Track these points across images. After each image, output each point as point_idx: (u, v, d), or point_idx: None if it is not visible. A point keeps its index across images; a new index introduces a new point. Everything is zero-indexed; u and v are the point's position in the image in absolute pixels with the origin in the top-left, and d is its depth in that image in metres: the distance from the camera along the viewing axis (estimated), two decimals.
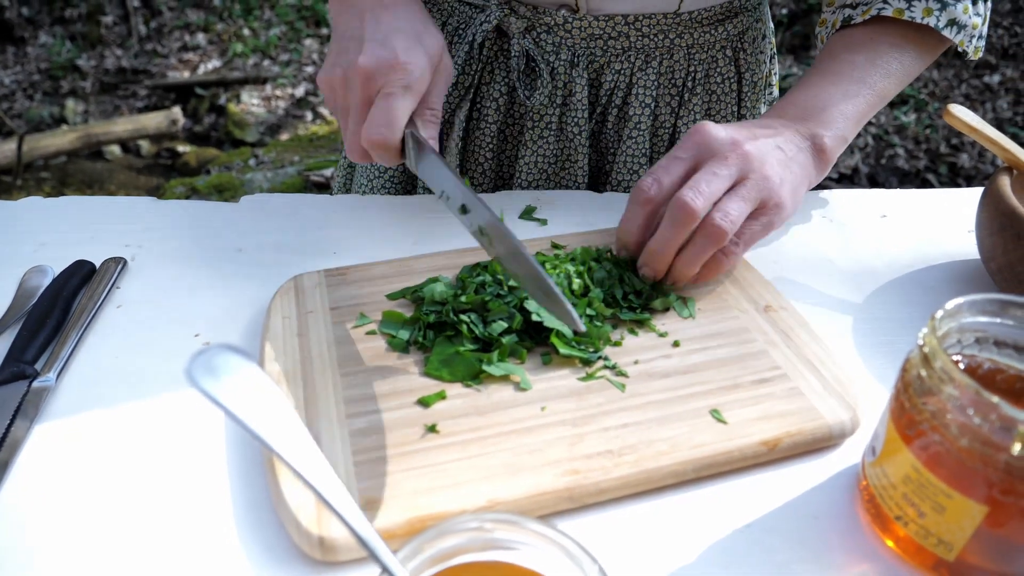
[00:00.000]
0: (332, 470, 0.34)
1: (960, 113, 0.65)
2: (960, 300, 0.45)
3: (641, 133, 0.80)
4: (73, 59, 3.67)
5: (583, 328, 0.51)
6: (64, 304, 0.61)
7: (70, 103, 3.64)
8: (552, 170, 0.82)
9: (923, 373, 0.42)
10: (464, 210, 0.55)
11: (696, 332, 0.59)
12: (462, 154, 0.83)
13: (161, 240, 0.70)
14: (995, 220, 0.61)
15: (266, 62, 3.99)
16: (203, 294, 0.64)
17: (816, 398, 0.53)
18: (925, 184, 2.97)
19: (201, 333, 0.60)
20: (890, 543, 0.46)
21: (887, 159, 3.12)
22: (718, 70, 0.81)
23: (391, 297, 0.61)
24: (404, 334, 0.57)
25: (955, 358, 0.47)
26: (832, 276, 0.68)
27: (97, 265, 0.66)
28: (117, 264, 0.66)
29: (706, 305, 0.62)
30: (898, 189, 0.81)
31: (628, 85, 0.79)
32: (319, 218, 0.74)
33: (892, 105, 3.32)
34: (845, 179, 3.00)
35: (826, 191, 0.80)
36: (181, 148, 3.48)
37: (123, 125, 3.22)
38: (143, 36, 3.91)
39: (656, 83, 0.79)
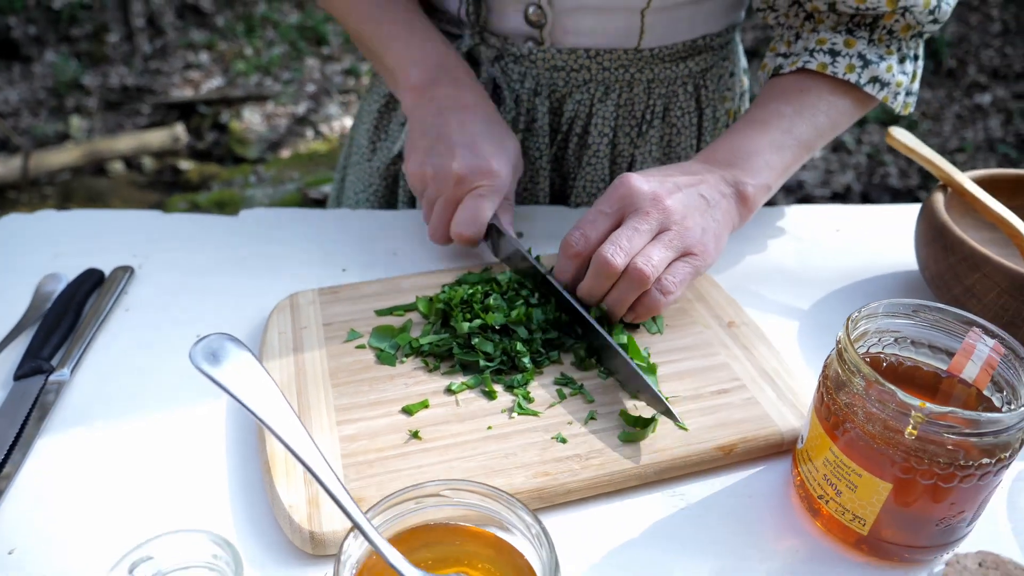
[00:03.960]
0: (312, 441, 0.39)
1: (900, 136, 0.72)
2: (875, 304, 0.51)
3: (600, 160, 0.86)
4: (78, 77, 3.75)
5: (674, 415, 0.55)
6: (77, 307, 0.67)
7: (75, 120, 3.71)
8: (518, 189, 0.88)
9: (838, 367, 0.48)
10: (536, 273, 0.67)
11: (663, 346, 0.64)
12: None
13: (166, 250, 0.76)
14: (928, 233, 0.67)
15: (268, 80, 4.06)
16: (205, 300, 0.70)
17: (770, 407, 0.58)
18: (917, 202, 3.02)
19: (202, 334, 0.66)
20: (819, 524, 0.52)
21: (880, 178, 3.18)
22: (678, 104, 0.86)
23: (380, 313, 0.66)
24: (391, 347, 0.63)
25: (878, 354, 0.52)
26: (784, 285, 0.74)
27: (107, 273, 0.72)
28: (125, 272, 0.72)
29: (673, 321, 0.67)
30: (853, 205, 0.87)
31: (588, 115, 0.84)
32: (312, 230, 0.80)
33: (884, 124, 3.38)
34: (838, 197, 3.06)
35: (787, 207, 0.86)
36: (184, 165, 3.55)
37: (126, 142, 3.30)
38: (147, 55, 3.98)
39: (615, 114, 0.84)
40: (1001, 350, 0.48)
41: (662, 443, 0.55)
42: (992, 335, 0.49)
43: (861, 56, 0.72)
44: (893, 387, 0.44)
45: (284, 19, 4.18)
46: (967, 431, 0.43)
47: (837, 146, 3.27)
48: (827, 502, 0.49)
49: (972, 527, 0.49)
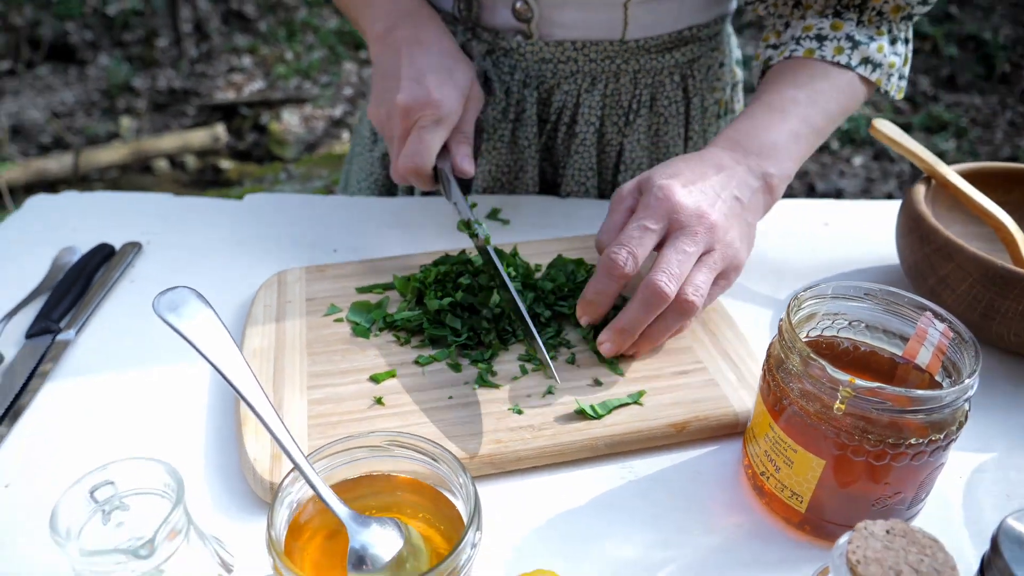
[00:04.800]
0: (259, 385, 0.43)
1: (883, 127, 0.72)
2: (824, 285, 0.52)
3: (587, 149, 0.88)
4: (129, 80, 3.89)
5: (551, 368, 0.59)
6: (87, 277, 0.71)
7: (124, 120, 3.85)
8: (505, 179, 0.90)
9: (778, 346, 0.49)
10: (469, 230, 0.69)
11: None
12: None
13: (173, 230, 0.81)
14: (907, 223, 0.68)
15: (307, 84, 4.16)
16: (203, 275, 0.74)
17: (729, 389, 0.60)
18: None
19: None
20: (764, 503, 0.53)
21: None
22: (665, 94, 0.87)
23: (360, 291, 0.70)
24: (367, 321, 0.66)
25: (833, 338, 0.53)
26: (765, 275, 0.75)
27: (117, 248, 0.77)
28: (134, 248, 0.76)
29: None
30: (846, 200, 0.87)
31: (575, 105, 0.86)
32: (311, 215, 0.83)
33: (931, 131, 3.31)
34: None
35: (780, 201, 0.87)
36: (224, 164, 3.66)
37: (170, 141, 3.41)
38: (194, 59, 4.12)
39: (601, 104, 0.86)
40: (950, 334, 0.49)
41: (615, 418, 0.57)
42: (941, 319, 0.50)
43: (850, 38, 0.71)
44: (824, 362, 0.45)
45: (324, 24, 4.28)
46: (896, 408, 0.44)
47: (879, 154, 3.22)
48: (768, 479, 0.51)
49: (916, 511, 0.49)
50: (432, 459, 0.44)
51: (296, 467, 0.41)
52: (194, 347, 0.41)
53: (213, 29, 4.22)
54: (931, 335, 0.50)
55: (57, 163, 3.25)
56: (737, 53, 0.96)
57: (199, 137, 3.52)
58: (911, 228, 0.66)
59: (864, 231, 0.81)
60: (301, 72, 4.10)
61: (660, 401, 0.59)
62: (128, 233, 0.79)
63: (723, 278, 0.63)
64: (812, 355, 0.45)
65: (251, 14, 4.47)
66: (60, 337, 0.64)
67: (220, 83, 4.14)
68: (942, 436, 0.45)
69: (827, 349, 0.53)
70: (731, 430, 0.58)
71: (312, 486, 0.41)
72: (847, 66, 0.72)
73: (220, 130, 3.64)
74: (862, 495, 0.47)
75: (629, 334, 0.60)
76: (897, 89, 0.75)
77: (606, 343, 0.60)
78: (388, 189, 0.97)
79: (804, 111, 0.70)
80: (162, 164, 3.60)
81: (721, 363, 0.62)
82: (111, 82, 3.73)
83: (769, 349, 0.51)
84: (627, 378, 0.60)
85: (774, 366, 0.49)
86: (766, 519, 0.52)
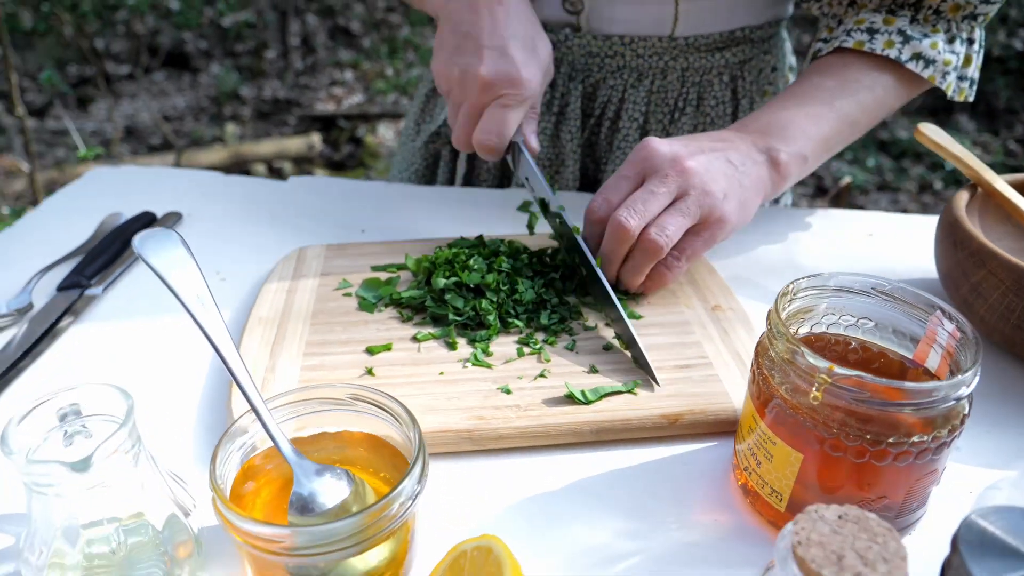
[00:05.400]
0: (227, 331, 0.43)
1: (929, 132, 0.68)
2: (826, 274, 0.49)
3: (630, 145, 0.86)
4: (237, 88, 4.12)
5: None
6: (125, 240, 0.75)
7: (230, 127, 4.08)
8: (546, 173, 0.90)
9: (767, 336, 0.46)
10: (545, 207, 0.69)
11: (639, 322, 0.64)
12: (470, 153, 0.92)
13: (215, 203, 0.84)
14: (943, 229, 0.63)
15: (404, 100, 4.29)
16: (234, 247, 0.77)
17: (732, 386, 0.57)
18: None
19: (221, 272, 0.72)
20: (748, 502, 0.50)
21: None
22: (713, 94, 0.85)
23: (375, 269, 0.71)
24: (374, 297, 0.66)
25: (835, 333, 0.50)
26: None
27: (159, 216, 0.81)
28: (174, 217, 0.80)
29: (656, 300, 0.67)
30: (895, 213, 0.82)
31: (620, 100, 0.85)
32: (348, 198, 0.86)
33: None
34: None
35: (824, 209, 0.83)
36: (319, 172, 3.81)
37: (267, 146, 3.59)
38: (299, 71, 4.33)
39: (647, 100, 0.85)
40: (957, 335, 0.45)
41: (605, 404, 0.55)
42: (950, 319, 0.46)
43: (901, 32, 0.69)
44: (804, 347, 0.42)
45: (425, 43, 4.41)
46: (877, 400, 0.40)
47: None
48: (751, 474, 0.48)
49: (908, 522, 0.45)
50: (387, 412, 0.44)
51: (249, 403, 0.42)
52: (163, 280, 0.43)
53: (319, 44, 4.43)
54: (940, 336, 0.46)
55: (160, 161, 3.47)
56: (791, 59, 0.93)
57: (295, 144, 3.68)
58: (947, 233, 0.62)
59: (908, 244, 0.76)
60: (399, 88, 4.24)
61: (656, 392, 0.56)
62: (174, 204, 0.84)
63: (704, 229, 0.62)
64: (793, 339, 0.43)
65: (356, 30, 4.67)
66: (88, 292, 0.68)
67: (322, 95, 4.33)
68: (929, 438, 0.41)
69: (833, 347, 0.50)
70: (729, 427, 0.55)
71: (263, 423, 0.42)
72: (896, 60, 0.69)
73: (316, 139, 3.80)
74: (844, 497, 0.44)
75: (607, 267, 0.64)
76: (957, 90, 0.71)
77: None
78: (427, 179, 0.98)
79: (828, 96, 0.68)
80: (260, 168, 3.79)
81: (728, 360, 0.59)
82: (220, 89, 3.96)
83: (757, 347, 0.48)
84: (626, 368, 0.58)
85: (760, 356, 0.47)
86: (749, 519, 0.49)
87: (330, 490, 0.42)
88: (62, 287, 0.68)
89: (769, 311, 0.46)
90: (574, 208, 0.81)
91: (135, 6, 3.53)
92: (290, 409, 0.45)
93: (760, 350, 0.47)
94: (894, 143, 3.36)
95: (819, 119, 0.68)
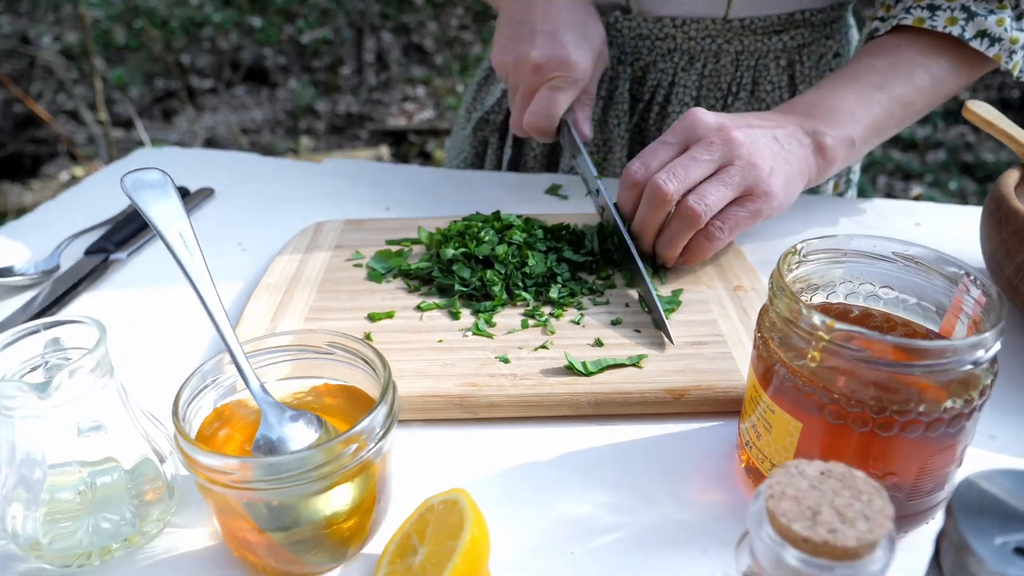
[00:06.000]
0: (207, 269, 0.43)
1: (978, 108, 0.63)
2: (842, 236, 0.45)
3: None
4: (312, 103, 4.26)
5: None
6: None
7: (304, 140, 4.21)
8: (593, 159, 0.87)
9: (769, 294, 0.43)
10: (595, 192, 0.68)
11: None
12: (517, 137, 0.91)
13: (248, 181, 0.86)
14: (988, 207, 0.58)
15: None
16: (259, 221, 0.78)
17: (744, 363, 0.53)
18: None
19: (244, 243, 0.73)
20: (750, 481, 0.46)
21: None
22: (768, 79, 0.82)
23: (390, 242, 0.70)
24: (383, 268, 0.65)
25: (855, 303, 0.46)
26: None
27: (192, 191, 0.83)
28: (206, 192, 0.82)
29: (675, 277, 0.64)
30: (945, 204, 0.77)
31: (671, 85, 0.82)
32: (381, 180, 0.86)
33: None
34: None
35: (873, 200, 0.78)
36: None
37: (335, 157, 3.70)
38: (372, 86, 4.44)
39: (698, 84, 0.82)
40: (983, 300, 0.41)
41: (607, 377, 0.52)
42: (977, 284, 0.41)
43: (965, 8, 0.65)
44: (801, 304, 0.39)
45: None
46: (878, 360, 0.36)
47: None
48: (751, 449, 0.44)
49: (924, 507, 0.41)
50: (361, 359, 0.43)
51: (221, 337, 0.41)
52: (143, 214, 0.43)
53: (393, 60, 4.54)
54: (967, 304, 0.42)
55: None
56: (855, 47, 0.89)
57: (363, 156, 3.77)
58: (991, 211, 0.57)
59: (956, 233, 0.71)
60: None
61: (662, 367, 0.53)
62: (211, 181, 0.85)
63: (749, 202, 0.59)
64: (792, 295, 0.39)
65: (429, 48, 4.77)
66: (113, 256, 0.70)
67: (394, 110, 4.43)
68: (942, 408, 0.37)
69: (850, 319, 0.46)
70: (738, 407, 0.51)
71: (233, 358, 0.41)
72: (960, 38, 0.64)
73: (384, 151, 3.88)
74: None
75: (641, 234, 0.62)
76: (1022, 70, 0.66)
77: (637, 243, 0.63)
78: (476, 166, 0.98)
79: (880, 78, 0.64)
80: None
81: (744, 338, 0.56)
82: (296, 104, 4.10)
83: (762, 306, 0.45)
84: (633, 342, 0.56)
85: (763, 320, 0.43)
86: (746, 500, 0.45)
87: (301, 436, 0.41)
88: (89, 251, 0.70)
89: (772, 273, 0.43)
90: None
91: (220, 23, 3.70)
92: (268, 356, 0.44)
93: (762, 314, 0.44)
94: (979, 165, 3.19)
95: (870, 102, 0.65)
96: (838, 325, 0.37)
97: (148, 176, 0.45)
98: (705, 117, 0.61)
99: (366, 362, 0.42)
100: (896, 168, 3.14)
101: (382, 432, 0.38)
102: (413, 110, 4.48)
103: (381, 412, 0.38)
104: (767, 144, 0.61)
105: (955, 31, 0.64)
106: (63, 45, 3.79)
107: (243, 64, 4.07)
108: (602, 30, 0.70)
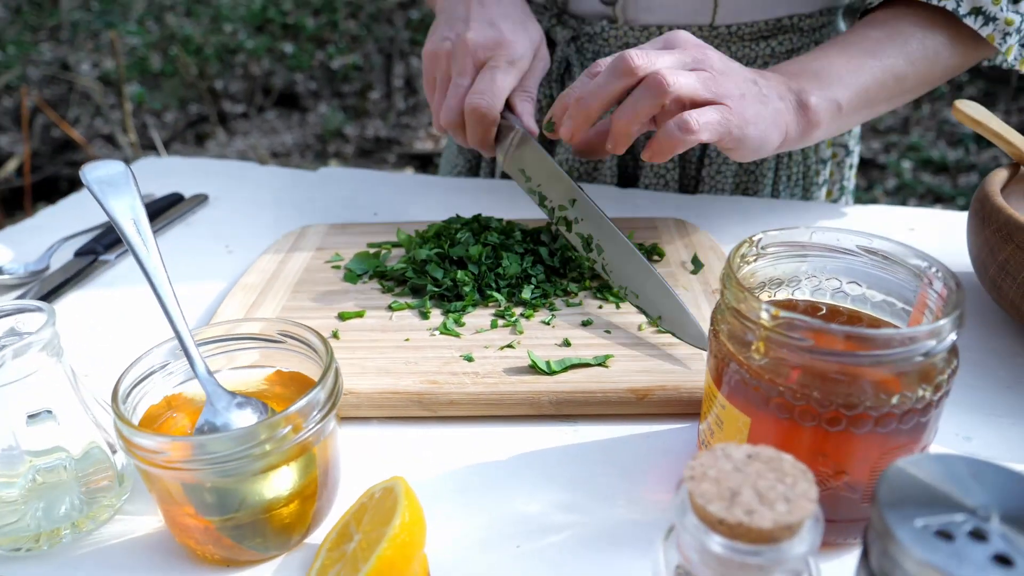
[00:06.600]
0: (160, 257, 0.44)
1: (967, 108, 0.61)
2: (803, 229, 0.44)
3: None
4: (342, 127, 4.33)
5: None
6: (148, 216, 0.78)
7: (332, 163, 4.28)
8: (584, 169, 0.87)
9: (720, 285, 0.42)
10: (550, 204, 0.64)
11: (625, 304, 0.60)
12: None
13: (243, 189, 0.87)
14: (975, 205, 0.56)
15: None
16: (249, 225, 0.78)
17: None
18: None
19: (230, 246, 0.74)
20: None
21: None
22: None
23: (371, 245, 0.70)
24: (360, 270, 0.65)
25: (820, 300, 0.44)
26: None
27: (187, 197, 0.84)
28: (200, 198, 0.83)
29: None
30: (939, 209, 0.75)
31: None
32: (373, 188, 0.86)
33: None
34: None
35: (867, 206, 0.76)
36: None
37: None
38: (400, 111, 4.50)
39: None
40: (944, 292, 0.39)
41: (570, 376, 0.51)
42: (940, 278, 0.40)
43: None
44: (747, 292, 0.37)
45: None
46: (819, 350, 0.35)
47: None
48: (706, 447, 0.43)
49: None
50: (306, 345, 0.43)
51: (169, 321, 0.41)
52: (99, 202, 0.43)
53: (420, 85, 4.61)
54: (930, 299, 0.40)
55: None
56: None
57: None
58: (976, 210, 0.55)
59: (949, 238, 0.69)
60: None
61: (628, 367, 0.52)
62: (207, 188, 0.87)
63: (717, 107, 0.55)
64: (741, 284, 0.38)
65: None
66: (102, 258, 0.71)
67: (421, 134, 4.49)
68: (893, 402, 0.35)
69: (823, 318, 0.44)
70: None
71: (180, 340, 0.41)
72: (954, 13, 0.63)
73: (409, 173, 3.93)
74: None
75: (585, 105, 0.57)
76: (1018, 57, 0.64)
77: (566, 121, 0.58)
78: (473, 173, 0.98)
79: (872, 46, 0.63)
80: None
81: None
82: (325, 128, 4.17)
83: (716, 303, 0.44)
84: (602, 342, 0.55)
85: (715, 318, 0.42)
86: None
87: (246, 422, 0.40)
88: (78, 253, 0.71)
89: (727, 259, 0.42)
90: (609, 208, 0.78)
91: (253, 50, 3.80)
92: (220, 344, 0.44)
93: (715, 309, 0.42)
94: None
95: (860, 68, 0.63)
96: (783, 314, 0.36)
97: (106, 165, 0.45)
98: (686, 36, 0.59)
99: (310, 347, 0.42)
100: (927, 191, 3.08)
101: (320, 414, 0.38)
102: (440, 133, 4.53)
103: (320, 393, 0.38)
104: (744, 76, 0.58)
105: (949, 5, 0.63)
106: (101, 71, 3.92)
107: (274, 89, 4.17)
108: (540, 31, 0.69)
